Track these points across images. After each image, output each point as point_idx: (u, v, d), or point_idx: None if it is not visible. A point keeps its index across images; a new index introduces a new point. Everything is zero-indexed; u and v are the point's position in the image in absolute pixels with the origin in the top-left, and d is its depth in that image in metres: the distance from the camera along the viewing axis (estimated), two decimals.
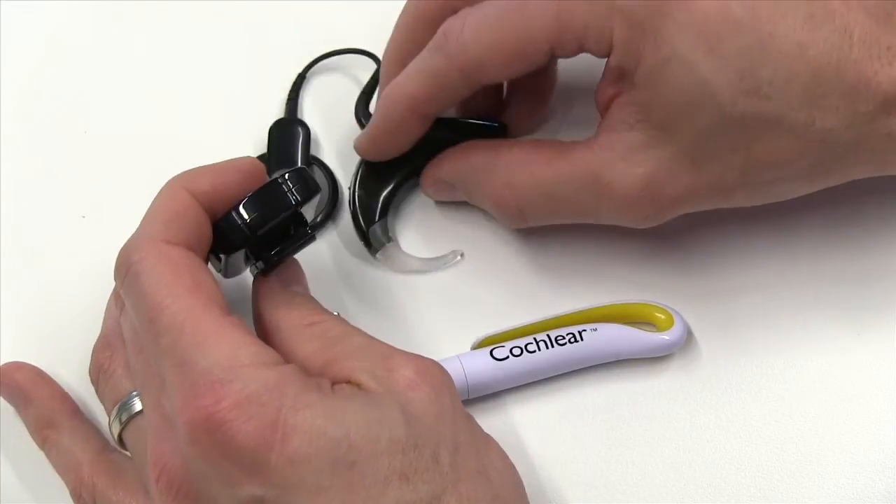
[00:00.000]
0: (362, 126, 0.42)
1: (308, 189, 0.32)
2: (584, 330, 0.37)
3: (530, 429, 0.37)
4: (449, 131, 0.40)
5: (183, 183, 0.32)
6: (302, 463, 0.27)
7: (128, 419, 0.32)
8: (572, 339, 0.37)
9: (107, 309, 0.36)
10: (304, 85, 0.45)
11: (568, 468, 0.36)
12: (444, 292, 0.40)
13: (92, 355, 0.35)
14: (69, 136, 0.45)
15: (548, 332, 0.37)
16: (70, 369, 0.39)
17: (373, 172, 0.41)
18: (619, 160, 0.34)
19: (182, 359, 0.28)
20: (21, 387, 0.37)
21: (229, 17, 0.48)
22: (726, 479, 0.35)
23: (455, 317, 0.39)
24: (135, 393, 0.32)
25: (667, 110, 0.33)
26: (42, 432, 0.36)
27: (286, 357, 0.30)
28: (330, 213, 0.42)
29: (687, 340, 0.38)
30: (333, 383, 0.30)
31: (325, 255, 0.41)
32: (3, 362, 0.38)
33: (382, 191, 0.41)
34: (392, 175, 0.41)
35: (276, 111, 0.45)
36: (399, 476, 0.27)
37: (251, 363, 0.28)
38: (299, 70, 0.45)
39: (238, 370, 0.28)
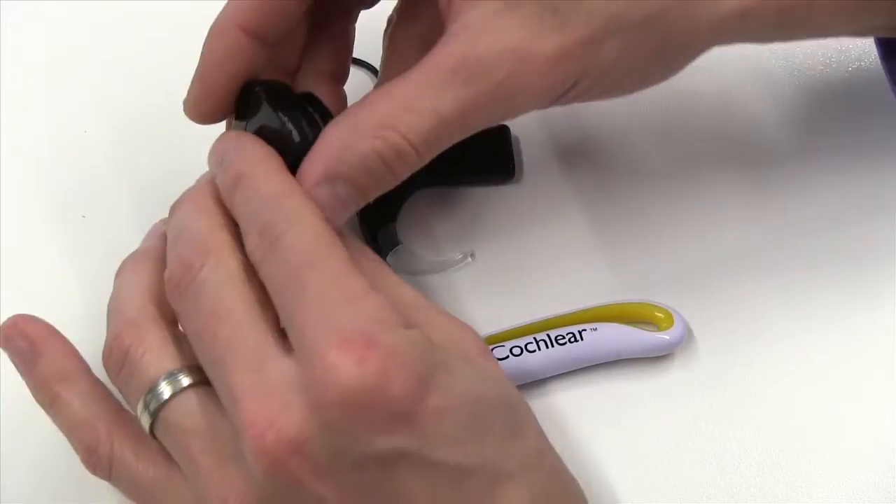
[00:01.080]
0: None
1: None
2: (584, 329, 0.37)
3: None
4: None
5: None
6: (445, 416, 0.27)
7: (157, 407, 0.30)
8: (572, 339, 0.37)
9: (119, 295, 0.33)
10: None
11: (567, 467, 0.36)
12: (443, 292, 0.40)
13: (110, 340, 0.32)
14: (69, 136, 0.45)
15: (548, 332, 0.37)
16: None
17: (381, 207, 0.41)
18: (481, 34, 0.30)
19: (330, 311, 0.27)
20: (32, 339, 0.34)
21: None
22: (726, 479, 0.35)
23: (455, 316, 0.39)
24: (166, 376, 0.30)
25: None
26: (53, 388, 0.33)
27: None
28: None
29: (687, 340, 0.38)
30: None
31: None
32: (2, 365, 0.38)
33: (390, 195, 0.41)
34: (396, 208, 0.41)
35: None
36: (512, 431, 0.29)
37: (396, 321, 0.28)
38: None
39: (386, 325, 0.28)
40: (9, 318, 0.34)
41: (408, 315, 0.30)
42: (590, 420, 0.37)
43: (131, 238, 0.40)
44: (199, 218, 0.32)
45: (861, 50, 0.44)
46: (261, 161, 0.32)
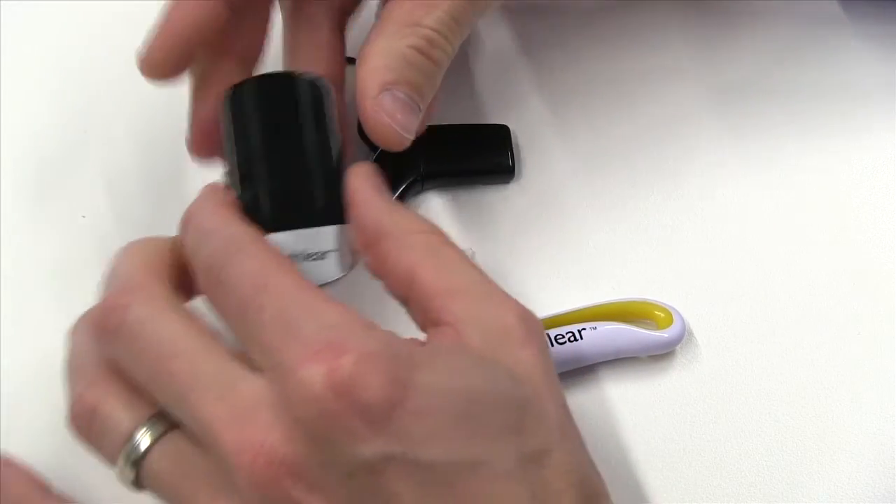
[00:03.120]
0: (365, 141, 0.39)
1: None
2: (584, 328, 0.37)
3: None
4: (452, 134, 0.40)
5: None
6: (428, 416, 0.26)
7: (138, 458, 0.30)
8: (572, 338, 0.37)
9: (76, 352, 0.32)
10: None
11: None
12: None
13: (73, 402, 0.31)
14: (69, 136, 0.45)
15: (547, 331, 0.37)
16: None
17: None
18: None
19: (293, 326, 0.27)
20: None
21: None
22: (726, 479, 0.35)
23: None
24: (140, 426, 0.30)
25: None
26: None
27: (392, 265, 0.30)
28: None
29: (686, 338, 0.38)
30: (433, 325, 0.30)
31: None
32: (2, 365, 0.38)
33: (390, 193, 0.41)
34: (400, 178, 0.41)
35: None
36: (511, 429, 0.28)
37: (362, 325, 0.28)
38: None
39: (353, 330, 0.27)
40: None
41: (424, 265, 0.30)
42: (589, 419, 0.37)
43: (131, 238, 0.40)
44: (126, 262, 0.32)
45: None
46: (207, 199, 0.32)
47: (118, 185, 0.43)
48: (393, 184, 0.41)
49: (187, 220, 0.32)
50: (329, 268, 0.33)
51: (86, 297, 0.40)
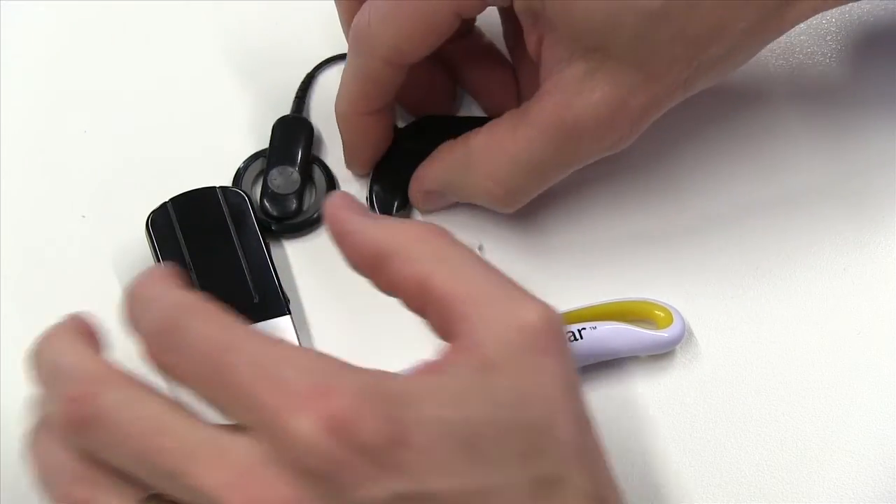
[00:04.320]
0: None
1: None
2: (584, 328, 0.37)
3: None
4: (461, 127, 0.40)
5: None
6: (430, 450, 0.26)
7: None
8: (571, 338, 0.37)
9: (46, 461, 0.30)
10: (312, 85, 0.45)
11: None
12: None
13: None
14: (69, 136, 0.45)
15: None
16: None
17: (389, 169, 0.42)
18: (574, 96, 0.35)
19: (272, 377, 0.26)
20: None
21: (235, 17, 0.48)
22: (726, 478, 0.35)
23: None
24: None
25: (591, 31, 0.33)
26: None
27: (402, 281, 0.29)
28: None
29: (686, 338, 0.38)
30: (448, 338, 0.28)
31: (325, 255, 0.41)
32: (2, 363, 0.38)
33: (398, 187, 0.41)
34: (409, 170, 0.41)
35: (279, 111, 0.44)
36: (519, 455, 0.27)
37: (344, 366, 0.27)
38: (307, 70, 0.45)
39: (337, 372, 0.26)
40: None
41: (430, 269, 0.29)
42: None
43: (131, 238, 0.40)
44: (66, 351, 0.30)
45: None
46: (150, 272, 0.30)
47: (118, 185, 0.43)
48: (403, 176, 0.41)
49: (130, 291, 0.30)
50: None
51: (85, 297, 0.41)
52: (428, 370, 0.28)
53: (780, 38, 0.36)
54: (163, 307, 0.28)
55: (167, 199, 0.40)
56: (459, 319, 0.28)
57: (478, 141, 0.38)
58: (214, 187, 0.40)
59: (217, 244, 0.39)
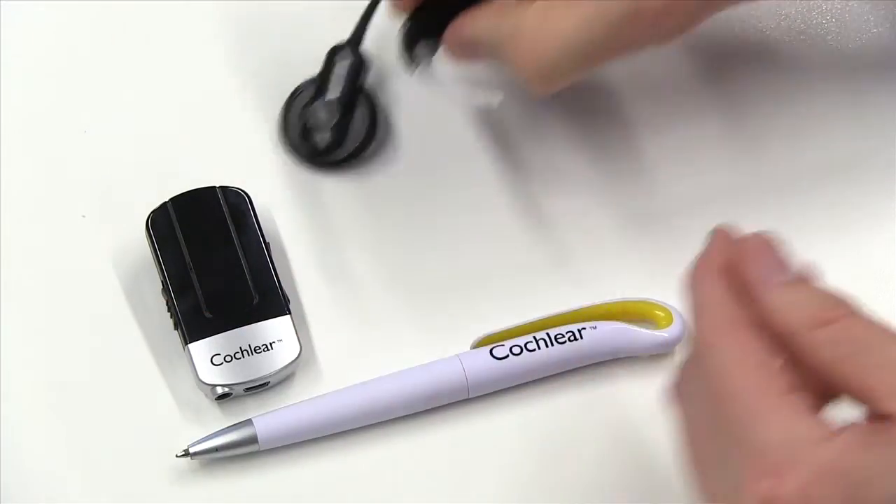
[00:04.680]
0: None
1: None
2: (584, 328, 0.37)
3: (531, 427, 0.37)
4: None
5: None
6: None
7: None
8: (572, 338, 0.37)
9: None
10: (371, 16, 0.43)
11: (568, 467, 0.36)
12: (443, 291, 0.40)
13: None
14: (69, 136, 0.45)
15: (547, 331, 0.37)
16: (70, 370, 0.39)
17: (431, 10, 0.39)
18: None
19: (740, 434, 0.26)
20: None
21: (235, 17, 0.48)
22: None
23: (455, 315, 0.39)
24: None
25: None
26: None
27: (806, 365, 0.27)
28: (367, 144, 0.42)
29: (686, 338, 0.38)
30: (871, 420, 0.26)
31: (325, 255, 0.41)
32: (2, 365, 0.38)
33: (431, 31, 0.40)
34: (450, 16, 0.39)
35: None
36: None
37: (809, 439, 0.25)
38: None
39: (797, 450, 0.25)
40: None
41: (833, 357, 0.27)
42: (589, 419, 0.37)
43: (131, 238, 0.40)
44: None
45: None
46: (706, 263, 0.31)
47: (118, 185, 0.43)
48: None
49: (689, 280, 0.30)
50: (278, 356, 0.37)
51: (85, 297, 0.41)
52: (877, 440, 0.25)
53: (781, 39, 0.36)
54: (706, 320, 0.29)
55: (167, 199, 0.40)
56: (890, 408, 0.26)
57: (534, 7, 0.36)
58: (214, 187, 0.40)
59: (217, 244, 0.39)
